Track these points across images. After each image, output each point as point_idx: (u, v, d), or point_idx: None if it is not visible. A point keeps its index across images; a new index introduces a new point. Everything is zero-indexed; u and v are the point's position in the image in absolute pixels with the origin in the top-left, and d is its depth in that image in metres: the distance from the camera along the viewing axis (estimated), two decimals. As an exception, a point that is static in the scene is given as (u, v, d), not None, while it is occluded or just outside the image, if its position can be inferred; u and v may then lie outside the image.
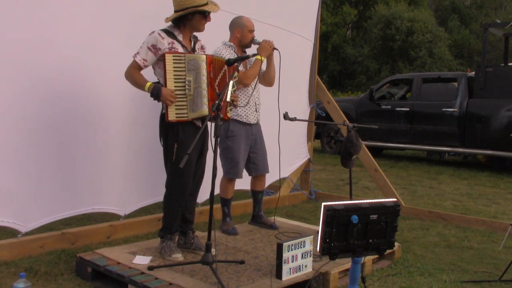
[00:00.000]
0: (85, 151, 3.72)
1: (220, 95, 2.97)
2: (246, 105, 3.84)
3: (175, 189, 3.23)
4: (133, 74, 3.18)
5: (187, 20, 3.21)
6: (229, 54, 3.78)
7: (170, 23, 3.26)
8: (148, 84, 3.13)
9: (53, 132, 3.52)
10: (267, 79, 3.98)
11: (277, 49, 3.80)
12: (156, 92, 3.09)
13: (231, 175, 3.95)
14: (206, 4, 3.20)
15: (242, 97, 3.85)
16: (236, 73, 3.31)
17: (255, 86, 3.90)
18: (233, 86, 3.27)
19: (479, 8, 34.07)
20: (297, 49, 5.56)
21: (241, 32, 3.87)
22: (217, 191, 4.14)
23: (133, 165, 4.04)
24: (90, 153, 3.75)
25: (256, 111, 3.97)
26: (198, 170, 3.35)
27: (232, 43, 3.89)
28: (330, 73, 30.04)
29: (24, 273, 2.56)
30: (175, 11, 3.21)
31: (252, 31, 3.89)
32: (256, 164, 4.06)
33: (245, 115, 3.89)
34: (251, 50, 3.90)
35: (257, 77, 3.85)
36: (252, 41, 3.88)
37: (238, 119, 3.87)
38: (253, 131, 3.99)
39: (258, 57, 3.71)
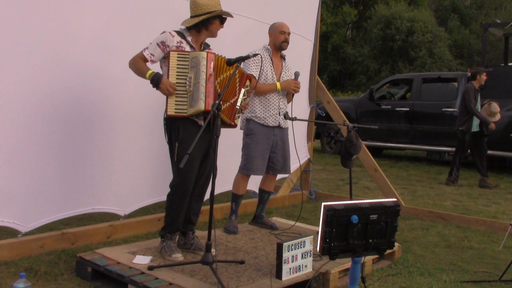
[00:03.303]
0: (85, 151, 3.71)
1: (220, 95, 2.97)
2: (265, 111, 3.95)
3: (178, 189, 3.24)
4: (137, 62, 3.22)
5: (209, 25, 3.29)
6: (263, 56, 3.98)
7: (181, 26, 3.32)
8: (150, 71, 3.17)
9: (53, 132, 3.52)
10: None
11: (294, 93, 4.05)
12: (156, 79, 3.12)
13: (244, 170, 4.00)
14: (222, 10, 3.30)
15: (262, 100, 3.98)
16: (249, 82, 3.44)
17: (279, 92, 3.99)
18: (244, 95, 3.33)
19: (479, 8, 34.05)
20: (297, 49, 5.55)
21: (273, 35, 4.08)
22: (224, 189, 4.15)
23: (133, 165, 4.04)
24: (90, 153, 3.75)
25: (279, 114, 4.01)
26: (204, 171, 3.36)
27: (269, 47, 4.08)
28: (330, 73, 30.04)
29: (24, 273, 2.56)
30: (194, 16, 3.26)
31: (283, 32, 4.04)
32: (274, 163, 4.10)
33: (263, 117, 3.97)
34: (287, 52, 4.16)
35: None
36: (295, 73, 4.07)
37: (256, 120, 3.97)
38: (275, 132, 4.04)
39: (278, 84, 3.95)
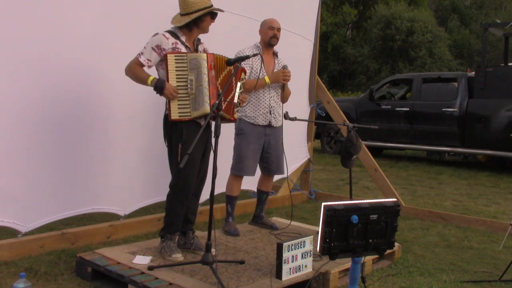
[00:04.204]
0: (85, 151, 3.72)
1: (220, 95, 2.97)
2: (256, 110, 3.90)
3: (178, 189, 3.23)
4: (135, 69, 3.19)
5: (201, 22, 3.25)
6: (252, 53, 3.85)
7: (172, 24, 3.28)
8: (151, 78, 3.14)
9: (53, 132, 3.52)
10: (280, 96, 4.07)
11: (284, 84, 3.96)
12: (160, 85, 3.10)
13: (236, 171, 3.97)
14: (212, 5, 3.26)
15: (252, 99, 3.93)
16: (244, 75, 3.39)
17: (268, 89, 3.91)
18: (240, 88, 3.31)
19: (479, 8, 34.04)
20: (297, 49, 5.56)
21: (262, 31, 4.01)
22: (223, 189, 4.15)
23: (133, 165, 4.04)
24: (91, 153, 3.75)
25: (270, 113, 3.96)
26: (200, 170, 3.36)
27: (259, 44, 4.02)
28: (330, 73, 30.04)
29: (24, 273, 2.56)
30: (185, 14, 3.22)
31: (272, 28, 3.97)
32: (268, 163, 4.07)
33: (253, 116, 3.92)
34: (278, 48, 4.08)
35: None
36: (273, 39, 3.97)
37: (245, 119, 3.94)
38: (266, 131, 3.99)
39: (266, 78, 3.88)
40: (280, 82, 3.95)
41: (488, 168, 9.40)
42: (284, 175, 4.22)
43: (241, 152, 3.93)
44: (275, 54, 4.10)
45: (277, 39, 4.00)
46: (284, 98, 4.08)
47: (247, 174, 3.99)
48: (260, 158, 4.04)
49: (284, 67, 3.95)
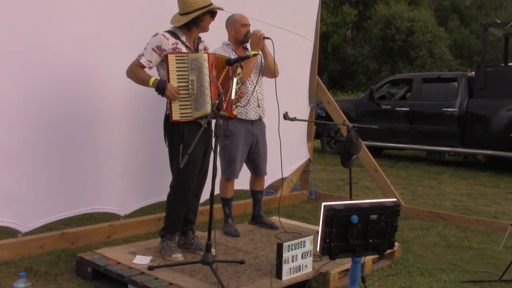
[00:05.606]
0: (85, 151, 3.71)
1: (220, 95, 2.97)
2: (246, 105, 3.85)
3: (179, 190, 3.23)
4: (136, 71, 3.19)
5: (200, 22, 3.24)
6: (225, 53, 3.79)
7: (171, 24, 3.28)
8: (153, 79, 3.13)
9: (53, 132, 3.52)
10: (267, 70, 3.97)
11: (268, 38, 3.76)
12: (161, 86, 3.10)
13: (227, 174, 3.95)
14: (212, 3, 3.25)
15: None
16: (240, 70, 3.36)
17: (256, 83, 3.89)
18: (237, 83, 3.30)
19: (479, 8, 34.05)
20: (297, 49, 5.56)
21: (234, 28, 3.87)
22: (217, 191, 4.14)
23: (133, 165, 4.03)
24: (90, 153, 3.75)
25: (258, 106, 3.93)
26: (201, 170, 3.36)
27: (229, 42, 3.91)
28: (330, 73, 30.05)
29: (24, 273, 2.56)
30: (184, 13, 3.21)
31: (245, 25, 3.86)
32: (257, 165, 4.06)
33: (244, 112, 3.87)
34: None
35: (258, 73, 3.92)
36: (247, 35, 3.85)
37: (237, 116, 3.88)
38: (254, 131, 3.96)
39: (252, 52, 3.70)
40: (260, 44, 3.74)
41: (488, 168, 9.40)
42: (265, 174, 4.18)
43: (231, 154, 3.87)
44: (245, 49, 3.96)
45: None
46: (270, 66, 3.89)
47: (236, 177, 3.97)
48: (248, 158, 4.02)
49: (249, 35, 3.80)
